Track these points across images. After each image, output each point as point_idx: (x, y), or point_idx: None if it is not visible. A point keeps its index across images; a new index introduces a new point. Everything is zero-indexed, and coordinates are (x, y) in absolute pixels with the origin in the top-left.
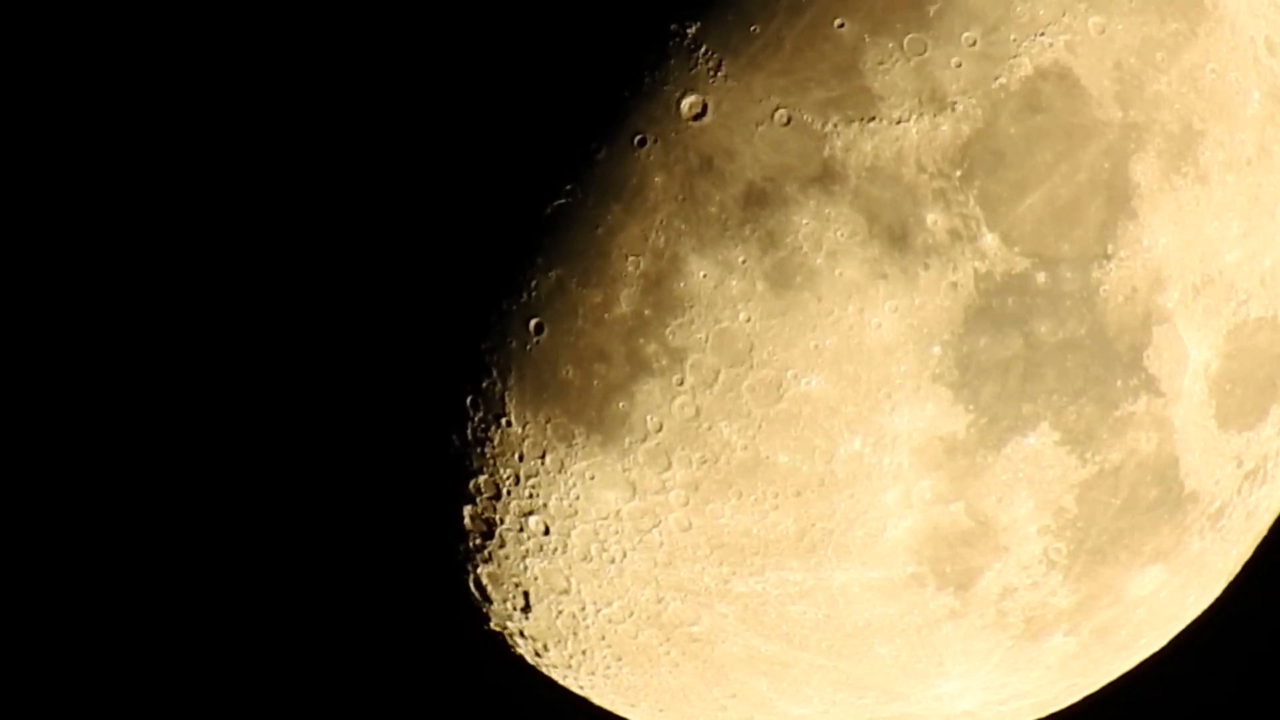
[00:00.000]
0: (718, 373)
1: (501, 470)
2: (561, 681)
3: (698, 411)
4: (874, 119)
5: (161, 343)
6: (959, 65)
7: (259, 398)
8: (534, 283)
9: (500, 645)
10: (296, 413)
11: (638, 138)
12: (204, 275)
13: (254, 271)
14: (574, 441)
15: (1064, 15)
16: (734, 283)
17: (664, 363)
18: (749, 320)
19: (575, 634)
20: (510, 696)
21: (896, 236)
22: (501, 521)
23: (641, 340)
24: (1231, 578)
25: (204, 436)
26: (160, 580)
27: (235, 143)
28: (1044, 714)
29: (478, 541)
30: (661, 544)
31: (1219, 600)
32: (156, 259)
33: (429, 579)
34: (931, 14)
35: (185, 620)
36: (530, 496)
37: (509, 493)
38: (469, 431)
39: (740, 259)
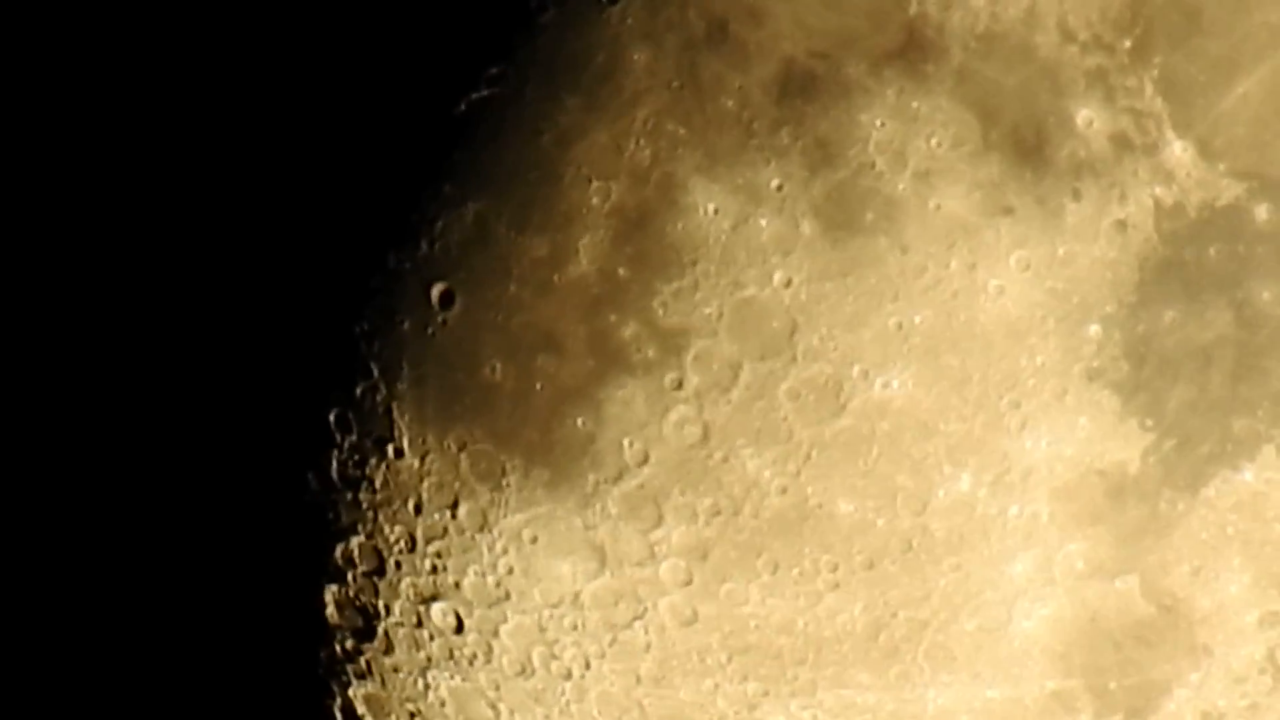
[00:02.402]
0: (739, 369)
1: (387, 528)
2: None
3: (706, 432)
4: None
5: None
6: None
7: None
8: (437, 225)
9: None
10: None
11: None
12: None
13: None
14: (504, 481)
15: None
16: (763, 223)
17: (651, 354)
18: (790, 284)
19: None
20: None
21: (1028, 147)
22: (387, 611)
23: (614, 317)
24: None
25: None
26: None
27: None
28: None
29: (349, 644)
30: (648, 647)
31: None
32: None
33: (272, 703)
34: None
35: None
36: (434, 571)
37: (399, 564)
38: (334, 466)
39: (774, 183)
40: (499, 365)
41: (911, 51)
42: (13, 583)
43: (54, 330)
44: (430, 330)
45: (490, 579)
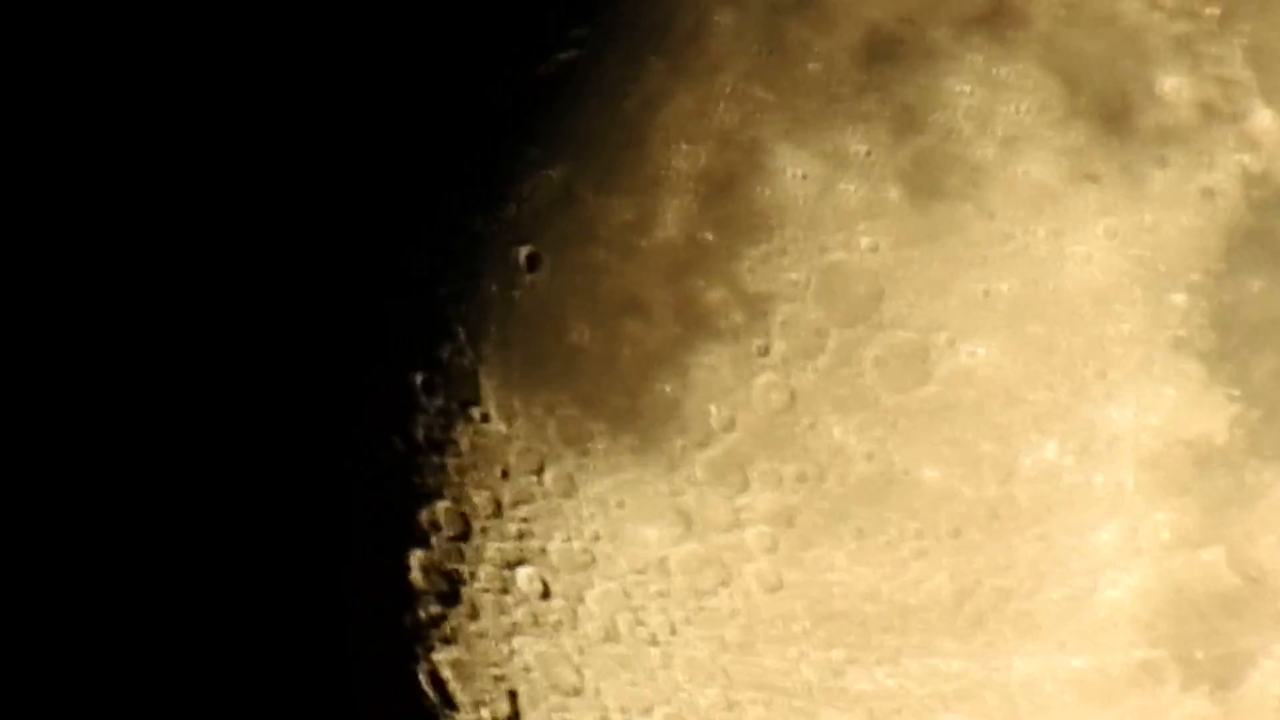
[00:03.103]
0: (825, 336)
1: (473, 493)
2: None
3: (793, 398)
4: None
5: None
6: None
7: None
8: (523, 189)
9: None
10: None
11: None
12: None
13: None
14: (591, 446)
15: None
16: (850, 188)
17: (738, 319)
18: (875, 250)
19: None
20: None
21: (1113, 114)
22: (473, 577)
23: (701, 282)
24: None
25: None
26: None
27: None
28: None
29: (434, 610)
30: (734, 614)
31: None
32: None
33: (357, 669)
34: None
35: None
36: (520, 537)
37: (485, 530)
38: (419, 430)
39: (860, 150)
40: (585, 330)
41: (997, 17)
42: (78, 553)
43: (135, 289)
44: (516, 293)
45: (576, 544)
